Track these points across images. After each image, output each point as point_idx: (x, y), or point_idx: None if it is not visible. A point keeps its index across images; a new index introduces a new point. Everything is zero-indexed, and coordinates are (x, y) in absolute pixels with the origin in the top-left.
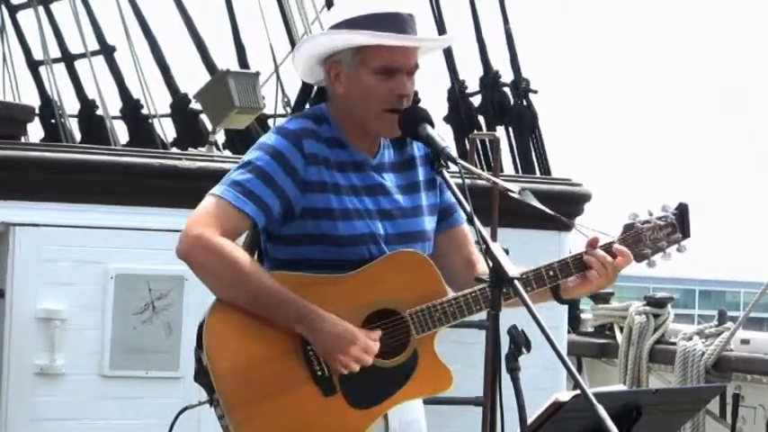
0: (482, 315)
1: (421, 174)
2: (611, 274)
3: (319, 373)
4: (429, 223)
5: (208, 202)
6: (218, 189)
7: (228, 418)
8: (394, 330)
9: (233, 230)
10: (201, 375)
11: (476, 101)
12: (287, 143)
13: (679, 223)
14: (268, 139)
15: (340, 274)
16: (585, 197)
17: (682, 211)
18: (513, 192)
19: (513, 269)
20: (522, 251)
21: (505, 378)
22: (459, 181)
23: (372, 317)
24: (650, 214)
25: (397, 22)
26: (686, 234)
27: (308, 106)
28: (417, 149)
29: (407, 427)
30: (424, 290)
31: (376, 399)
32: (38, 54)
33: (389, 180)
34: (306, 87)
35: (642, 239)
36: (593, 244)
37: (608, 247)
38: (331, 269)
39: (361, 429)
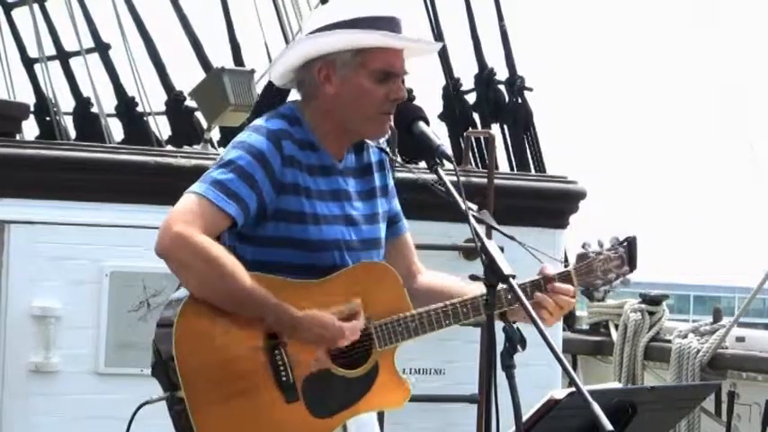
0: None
1: (377, 180)
2: (562, 309)
3: (284, 378)
4: (383, 230)
5: (188, 199)
6: (198, 187)
7: (192, 417)
8: (357, 342)
9: (213, 230)
10: (159, 368)
11: (471, 98)
12: (268, 144)
13: (627, 256)
14: (249, 137)
15: (309, 278)
16: (581, 195)
17: (630, 244)
18: (473, 210)
19: (508, 267)
20: (516, 249)
21: (501, 376)
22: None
23: None
24: (600, 245)
25: (395, 26)
26: (633, 267)
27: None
28: (373, 155)
29: (363, 428)
30: (389, 302)
31: (335, 408)
32: (33, 51)
33: (352, 185)
34: (270, 88)
35: (593, 270)
36: (546, 275)
37: (563, 277)
38: (300, 273)
39: None
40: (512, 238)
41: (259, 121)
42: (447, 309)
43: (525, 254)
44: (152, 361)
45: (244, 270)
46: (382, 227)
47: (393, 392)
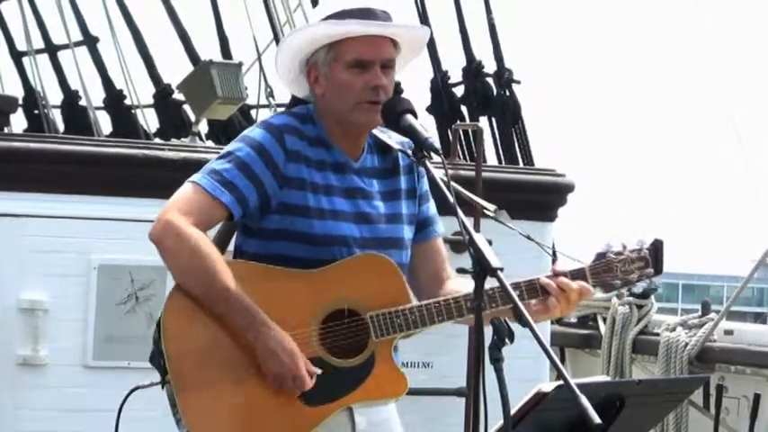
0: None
1: (402, 182)
2: (572, 304)
3: None
4: (407, 232)
5: (185, 188)
6: (196, 176)
7: (178, 400)
8: (353, 331)
9: (207, 218)
10: (157, 357)
11: (459, 91)
12: (269, 137)
13: (652, 258)
14: (251, 131)
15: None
16: (569, 188)
17: (656, 247)
18: (489, 210)
19: (496, 260)
20: (505, 242)
21: (489, 369)
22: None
23: (333, 316)
24: (624, 247)
25: (368, 16)
26: (658, 270)
27: None
28: (401, 159)
29: (376, 427)
30: (387, 295)
31: (327, 398)
32: (21, 45)
33: (371, 185)
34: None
35: (612, 269)
36: (557, 274)
37: (576, 275)
38: (305, 267)
39: (310, 427)
40: (528, 237)
41: (266, 118)
42: (449, 303)
43: (513, 247)
44: (151, 351)
45: (225, 267)
46: (406, 228)
47: (389, 384)
